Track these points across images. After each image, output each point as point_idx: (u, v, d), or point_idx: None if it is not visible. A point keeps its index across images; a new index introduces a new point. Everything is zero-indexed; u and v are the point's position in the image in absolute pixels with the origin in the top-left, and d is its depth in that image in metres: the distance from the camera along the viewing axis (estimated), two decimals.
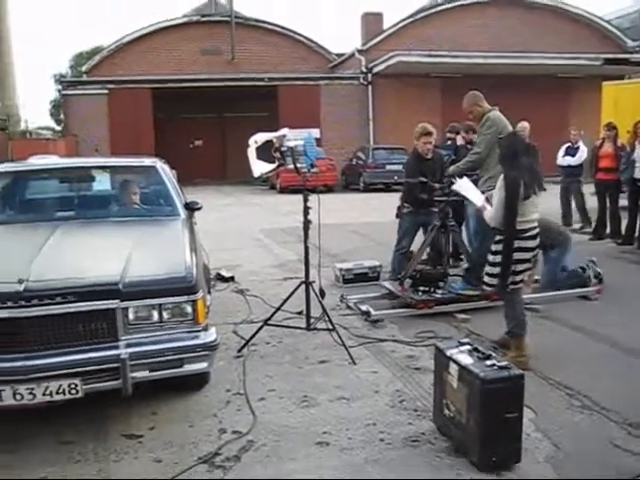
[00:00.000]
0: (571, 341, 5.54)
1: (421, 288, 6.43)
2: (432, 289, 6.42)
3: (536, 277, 6.91)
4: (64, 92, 27.50)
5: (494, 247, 4.87)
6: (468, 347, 3.67)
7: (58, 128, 38.50)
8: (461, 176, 5.83)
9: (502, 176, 4.80)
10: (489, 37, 27.49)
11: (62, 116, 31.84)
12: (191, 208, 5.72)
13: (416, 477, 3.33)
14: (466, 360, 3.53)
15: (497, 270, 4.80)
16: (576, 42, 27.82)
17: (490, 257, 4.91)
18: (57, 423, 3.98)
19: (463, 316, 6.11)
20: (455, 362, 3.57)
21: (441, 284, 6.49)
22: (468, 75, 24.66)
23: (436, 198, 6.54)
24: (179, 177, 6.71)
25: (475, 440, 3.38)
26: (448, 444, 3.63)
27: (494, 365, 3.43)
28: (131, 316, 3.81)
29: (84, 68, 30.40)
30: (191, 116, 31.38)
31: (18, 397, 3.54)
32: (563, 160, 11.57)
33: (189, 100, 29.00)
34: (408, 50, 25.35)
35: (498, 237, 4.83)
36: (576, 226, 11.37)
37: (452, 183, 6.08)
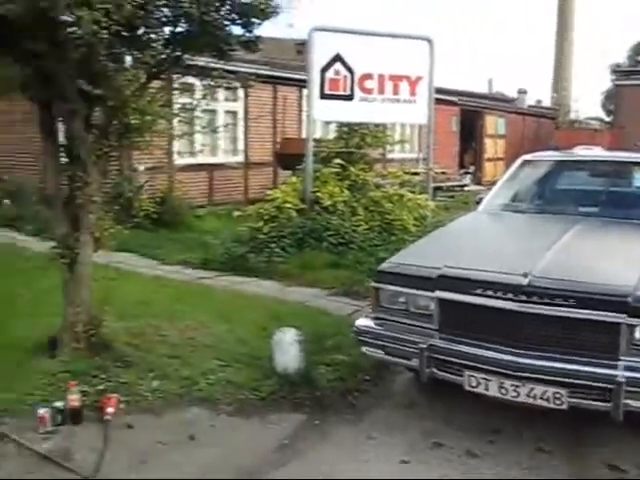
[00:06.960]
0: None
1: None
2: None
3: None
4: (617, 82, 26.93)
5: None
6: None
7: (607, 119, 37.87)
8: None
9: None
10: None
11: (612, 107, 31.22)
12: None
13: None
14: None
15: None
16: None
17: None
18: (538, 429, 3.81)
19: None
20: None
21: None
22: None
23: None
24: None
25: None
26: None
27: None
28: (637, 335, 3.37)
29: None
30: None
31: (503, 391, 3.51)
32: None
33: None
34: None
35: None
36: None
37: None
